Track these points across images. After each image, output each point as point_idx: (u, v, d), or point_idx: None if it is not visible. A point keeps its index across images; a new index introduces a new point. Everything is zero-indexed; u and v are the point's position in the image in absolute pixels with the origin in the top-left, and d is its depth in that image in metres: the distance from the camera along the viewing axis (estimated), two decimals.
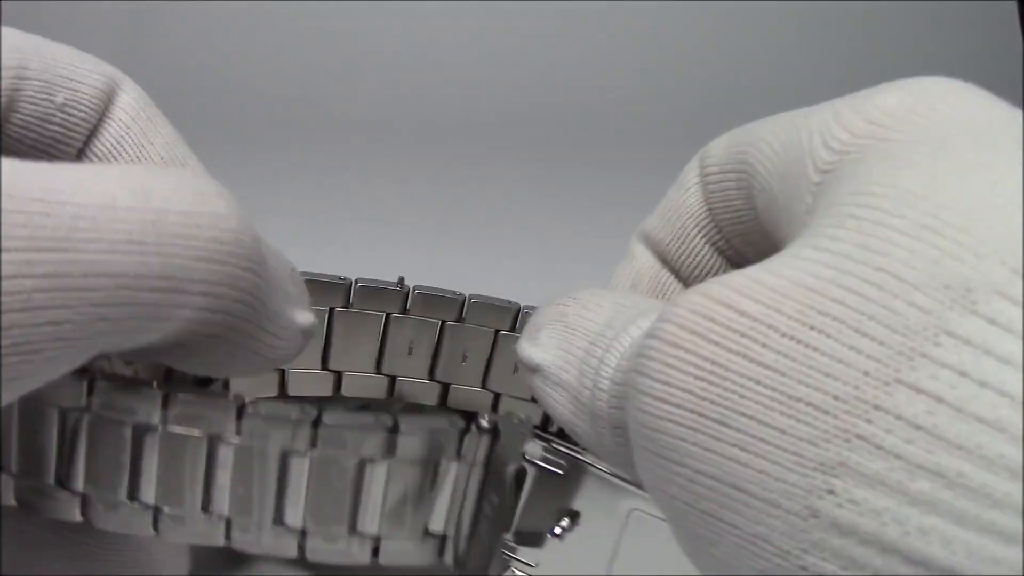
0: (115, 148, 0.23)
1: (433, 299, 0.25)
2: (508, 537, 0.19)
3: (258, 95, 0.85)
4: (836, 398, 0.13)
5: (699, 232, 0.22)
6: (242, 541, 0.18)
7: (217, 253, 0.17)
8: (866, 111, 0.17)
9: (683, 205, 0.23)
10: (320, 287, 0.25)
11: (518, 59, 0.89)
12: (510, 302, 0.24)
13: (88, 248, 0.15)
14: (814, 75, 0.89)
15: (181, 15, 0.90)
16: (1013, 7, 0.89)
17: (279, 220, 0.61)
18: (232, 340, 0.18)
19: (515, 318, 0.24)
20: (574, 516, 0.19)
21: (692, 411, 0.14)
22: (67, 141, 0.22)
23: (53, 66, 0.22)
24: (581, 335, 0.20)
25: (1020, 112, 0.17)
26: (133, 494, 0.18)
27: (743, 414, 0.14)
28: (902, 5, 0.91)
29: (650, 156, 0.79)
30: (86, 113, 0.22)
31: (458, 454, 0.18)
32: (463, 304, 0.25)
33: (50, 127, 0.22)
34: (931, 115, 0.17)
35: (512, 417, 0.20)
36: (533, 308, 0.23)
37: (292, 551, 0.19)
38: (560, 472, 0.19)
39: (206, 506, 0.18)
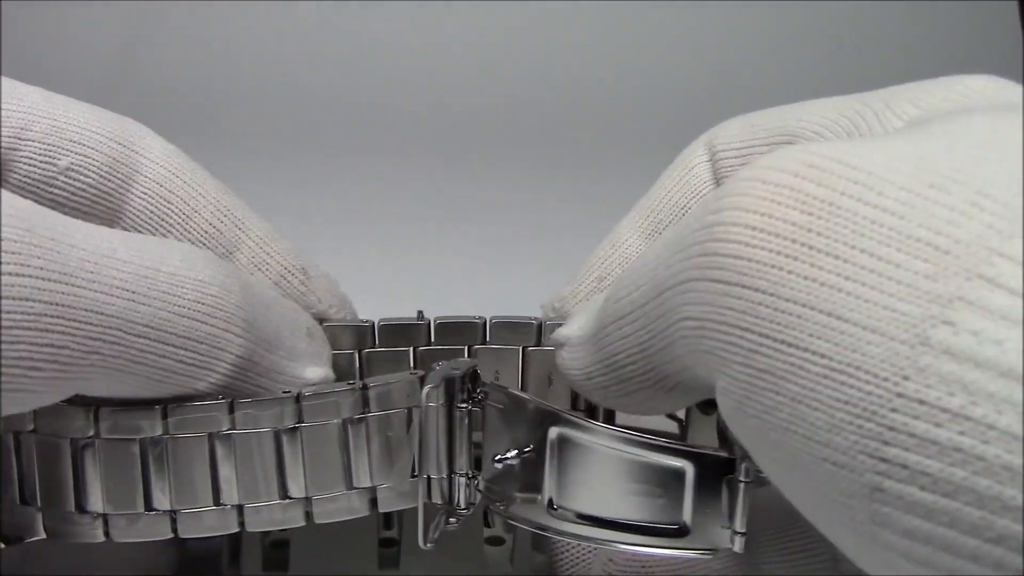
0: (151, 219, 0.23)
1: (455, 326, 0.25)
2: (479, 473, 0.21)
3: (258, 97, 0.85)
4: (958, 242, 0.13)
5: None
6: (255, 522, 0.20)
7: (197, 313, 0.19)
8: (952, 86, 0.20)
9: (686, 183, 0.24)
10: (345, 331, 0.25)
11: (518, 61, 0.89)
12: (531, 318, 0.25)
13: (89, 287, 0.18)
14: (814, 75, 0.89)
15: (181, 14, 0.90)
16: (1013, 7, 0.89)
17: (285, 220, 0.61)
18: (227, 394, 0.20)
19: (538, 333, 0.25)
20: (522, 448, 0.20)
21: (795, 241, 0.15)
22: (73, 205, 0.22)
23: (62, 128, 0.22)
24: (596, 300, 0.21)
25: None
26: (149, 504, 0.20)
27: (855, 247, 0.14)
28: (902, 5, 0.91)
29: (647, 157, 0.79)
30: (94, 179, 0.22)
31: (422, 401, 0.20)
32: (485, 327, 0.25)
33: (52, 190, 0.22)
34: (1017, 92, 0.19)
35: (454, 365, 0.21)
36: (554, 322, 0.24)
37: (300, 519, 0.20)
38: (502, 407, 0.21)
39: (217, 499, 0.20)
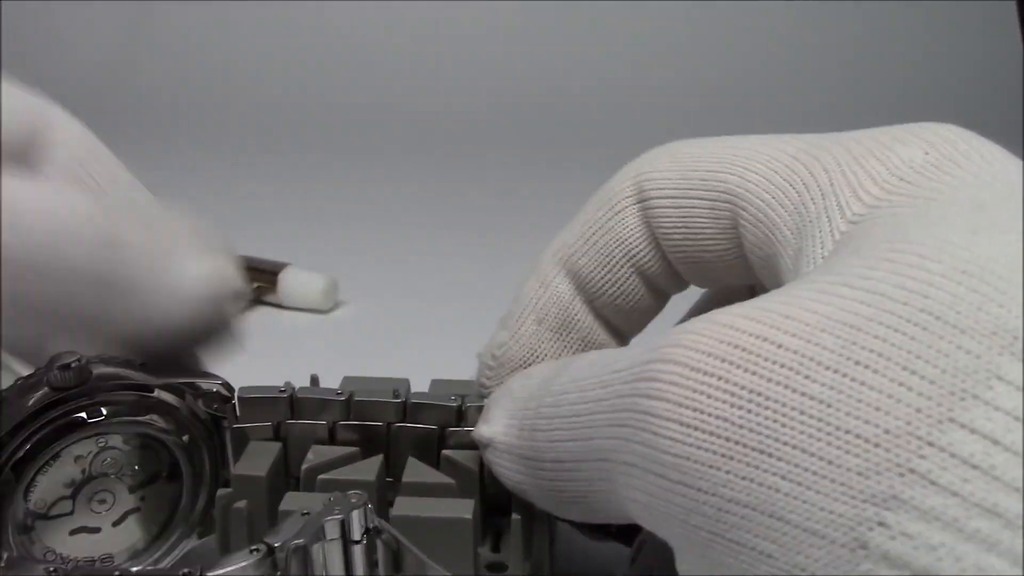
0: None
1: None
2: None
3: (257, 97, 0.85)
4: (887, 432, 0.13)
5: (627, 260, 0.22)
6: None
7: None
8: (894, 165, 0.18)
9: (612, 229, 0.22)
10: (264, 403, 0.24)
11: (516, 61, 0.89)
12: (452, 399, 0.24)
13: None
14: (813, 75, 0.89)
15: (181, 14, 0.90)
16: (1013, 7, 0.89)
17: (268, 216, 0.61)
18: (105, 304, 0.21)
19: (458, 415, 0.24)
20: None
21: (728, 439, 0.14)
22: None
23: None
24: (523, 399, 0.20)
25: None
26: None
27: (787, 443, 0.14)
28: (902, 5, 0.91)
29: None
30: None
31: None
32: (404, 406, 0.24)
33: None
34: (959, 173, 0.17)
35: None
36: (475, 405, 0.23)
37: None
38: None
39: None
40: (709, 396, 0.15)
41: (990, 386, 0.13)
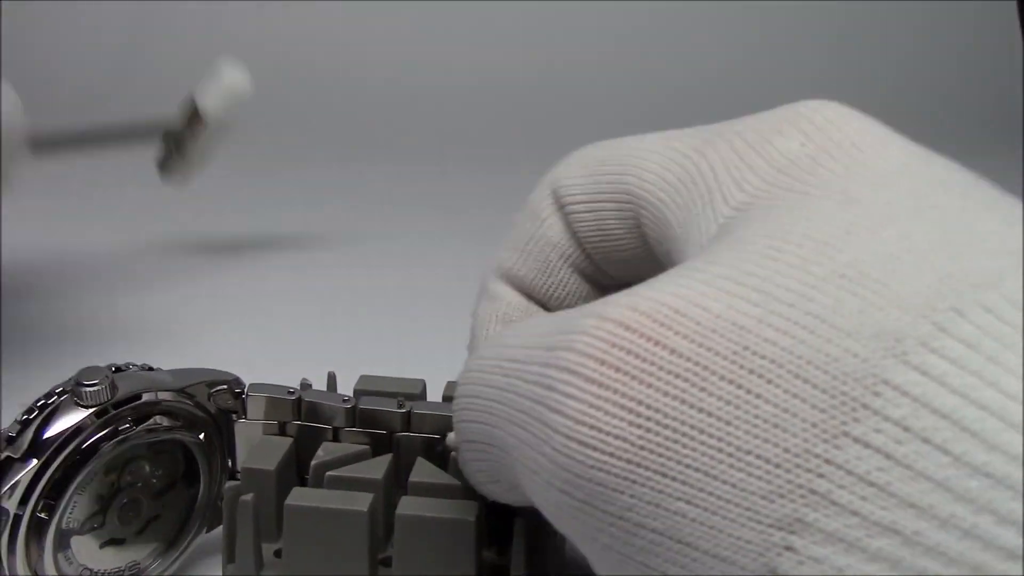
0: None
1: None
2: None
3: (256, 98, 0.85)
4: (787, 451, 0.13)
5: (564, 262, 0.22)
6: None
7: None
8: (772, 158, 0.17)
9: (543, 237, 0.22)
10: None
11: (517, 64, 0.89)
12: (398, 404, 0.24)
13: None
14: (813, 75, 0.89)
15: (181, 14, 0.90)
16: (1013, 7, 0.89)
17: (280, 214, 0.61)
18: None
19: (406, 421, 0.25)
20: None
21: (630, 462, 0.14)
22: None
23: None
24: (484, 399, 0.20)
25: (911, 145, 0.17)
26: None
27: (689, 466, 0.13)
28: (902, 5, 0.91)
29: None
30: None
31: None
32: (354, 411, 0.24)
33: None
34: (834, 165, 0.17)
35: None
36: (420, 412, 0.24)
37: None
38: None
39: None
40: (607, 413, 0.14)
41: (877, 392, 0.13)
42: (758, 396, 0.13)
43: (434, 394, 0.26)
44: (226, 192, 0.63)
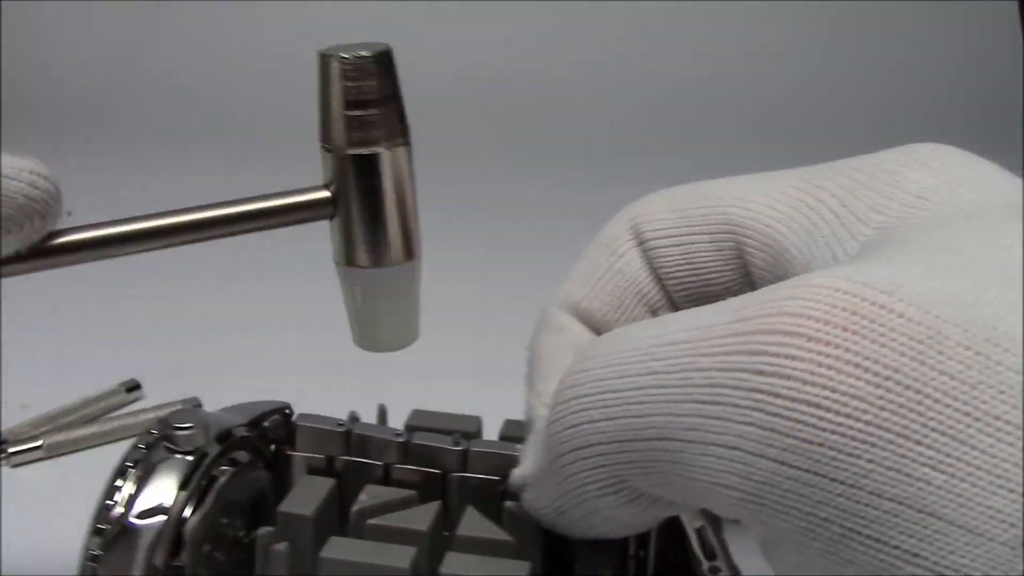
0: None
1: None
2: None
3: (256, 100, 0.85)
4: None
5: (639, 299, 0.22)
6: None
7: None
8: (908, 187, 0.18)
9: (618, 272, 0.22)
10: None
11: (521, 65, 0.89)
12: (453, 443, 0.23)
13: None
14: (814, 75, 0.89)
15: (180, 15, 0.90)
16: (1013, 7, 0.89)
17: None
18: None
19: (462, 459, 0.23)
20: None
21: (869, 423, 0.13)
22: None
23: None
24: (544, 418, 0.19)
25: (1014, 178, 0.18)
26: None
27: (935, 430, 0.13)
28: (902, 5, 0.91)
29: (639, 160, 0.79)
30: None
31: None
32: (406, 446, 0.23)
33: None
34: (970, 195, 0.17)
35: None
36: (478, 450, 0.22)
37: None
38: None
39: None
40: (840, 372, 0.13)
41: None
42: (998, 363, 0.13)
43: (489, 433, 0.25)
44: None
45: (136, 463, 0.20)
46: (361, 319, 0.25)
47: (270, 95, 0.85)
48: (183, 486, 0.20)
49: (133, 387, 0.39)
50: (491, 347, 0.43)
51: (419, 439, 0.22)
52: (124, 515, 0.19)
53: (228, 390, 0.38)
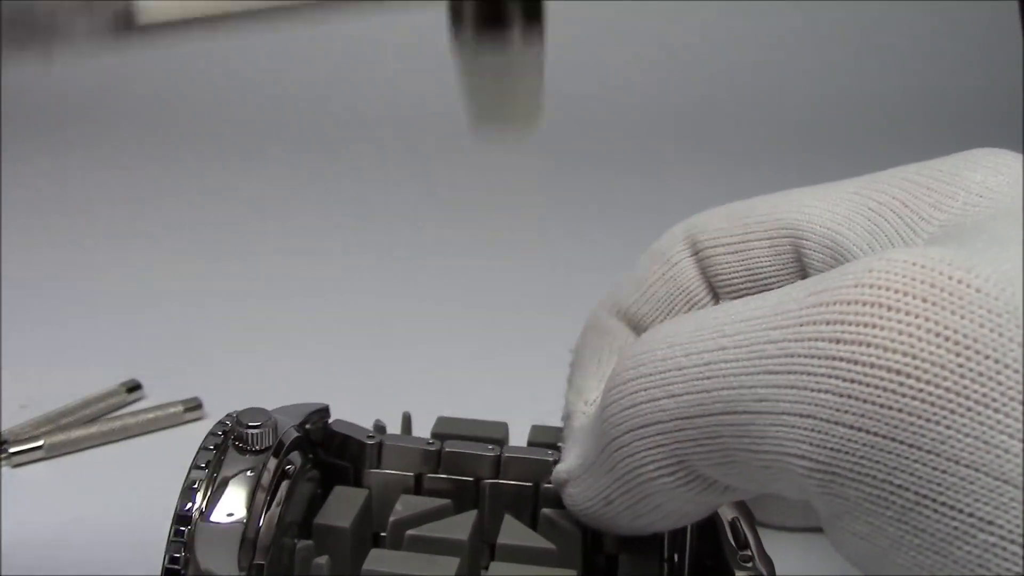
0: None
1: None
2: None
3: (257, 102, 0.85)
4: None
5: (689, 307, 0.22)
6: None
7: None
8: (970, 187, 0.18)
9: (671, 280, 0.22)
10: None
11: None
12: (489, 448, 0.23)
13: None
14: (814, 75, 0.89)
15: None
16: (1013, 7, 0.89)
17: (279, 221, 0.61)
18: None
19: (495, 465, 0.23)
20: None
21: (949, 390, 0.13)
22: None
23: None
24: (588, 407, 0.19)
25: None
26: None
27: (1014, 399, 0.13)
28: (903, 5, 0.91)
29: (646, 163, 0.79)
30: None
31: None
32: (439, 454, 0.23)
33: None
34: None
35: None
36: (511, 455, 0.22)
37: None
38: None
39: None
40: (920, 339, 0.13)
41: None
42: None
43: (514, 438, 0.24)
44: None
45: (207, 464, 0.20)
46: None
47: (270, 95, 0.85)
48: (259, 486, 0.19)
49: (134, 387, 0.39)
50: (511, 351, 0.43)
51: (450, 447, 0.22)
52: (204, 516, 0.19)
53: (228, 390, 0.38)
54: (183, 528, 0.19)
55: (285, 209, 0.62)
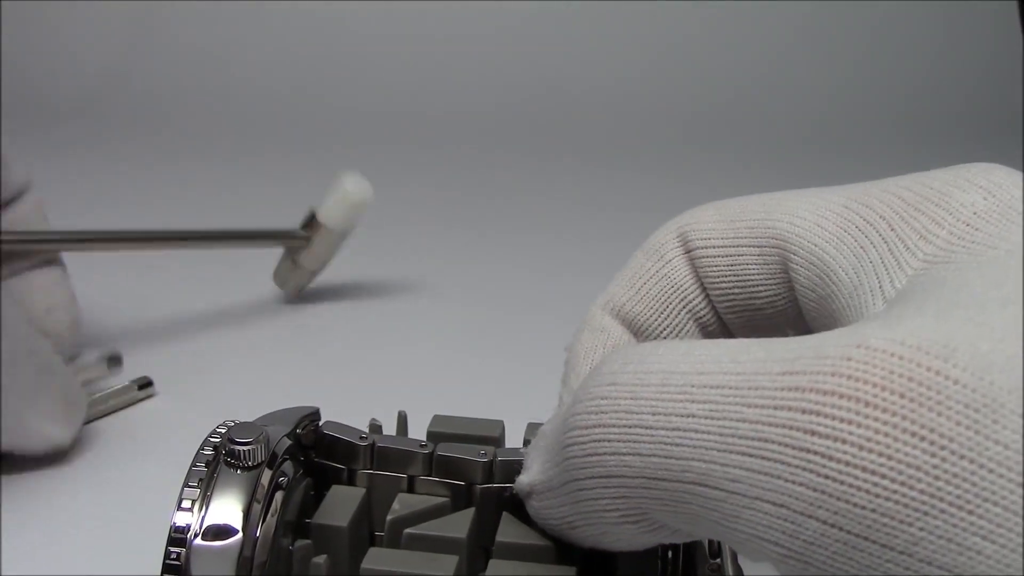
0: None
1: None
2: None
3: (256, 102, 0.85)
4: None
5: (683, 306, 0.22)
6: None
7: None
8: (958, 211, 0.17)
9: (664, 277, 0.22)
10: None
11: (519, 63, 0.89)
12: (479, 454, 0.22)
13: None
14: (815, 75, 0.89)
15: (180, 15, 0.90)
16: (1013, 7, 0.89)
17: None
18: None
19: (488, 470, 0.23)
20: None
21: (924, 492, 0.13)
22: None
23: None
24: (555, 429, 0.19)
25: None
26: None
27: (988, 500, 0.13)
28: (903, 5, 0.91)
29: (644, 161, 0.79)
30: None
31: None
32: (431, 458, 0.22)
33: None
34: (1017, 220, 0.17)
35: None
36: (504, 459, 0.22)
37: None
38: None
39: None
40: (896, 439, 0.13)
41: None
42: None
43: (511, 435, 0.24)
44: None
45: (199, 483, 0.20)
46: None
47: (270, 94, 0.85)
48: (252, 502, 0.19)
49: (145, 384, 0.39)
50: (508, 349, 0.43)
51: (443, 450, 0.22)
52: (198, 537, 0.19)
53: (228, 390, 0.38)
54: (177, 550, 0.19)
55: (283, 207, 0.63)
